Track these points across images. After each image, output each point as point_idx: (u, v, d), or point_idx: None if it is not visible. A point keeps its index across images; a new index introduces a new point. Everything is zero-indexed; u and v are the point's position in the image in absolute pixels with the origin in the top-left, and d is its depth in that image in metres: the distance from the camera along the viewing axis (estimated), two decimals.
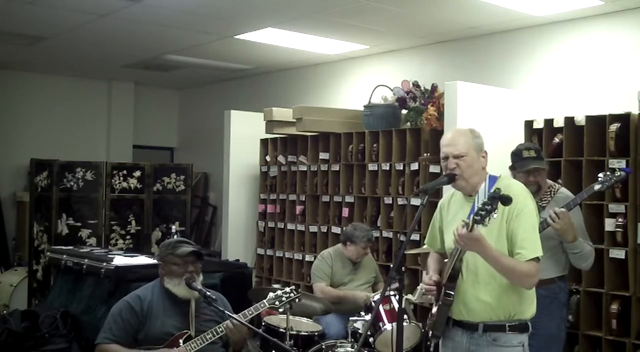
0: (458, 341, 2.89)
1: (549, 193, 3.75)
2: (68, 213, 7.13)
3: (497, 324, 2.81)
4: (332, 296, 4.93)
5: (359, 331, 4.34)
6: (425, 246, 3.33)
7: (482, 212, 2.52)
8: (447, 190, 3.17)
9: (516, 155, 3.79)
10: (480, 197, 2.85)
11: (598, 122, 4.50)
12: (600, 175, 3.49)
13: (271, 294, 3.76)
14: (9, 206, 8.40)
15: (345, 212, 6.03)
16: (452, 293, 2.82)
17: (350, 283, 5.11)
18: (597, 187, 3.46)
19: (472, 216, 2.59)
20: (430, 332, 3.01)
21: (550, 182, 3.84)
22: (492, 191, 2.53)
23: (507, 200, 2.50)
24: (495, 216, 2.53)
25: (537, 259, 2.76)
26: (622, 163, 4.25)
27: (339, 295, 4.99)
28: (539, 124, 4.80)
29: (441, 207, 3.11)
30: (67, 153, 7.96)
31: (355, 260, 5.13)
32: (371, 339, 4.26)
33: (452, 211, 3.01)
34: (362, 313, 4.53)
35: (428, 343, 3.22)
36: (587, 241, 3.67)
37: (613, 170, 3.49)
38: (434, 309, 3.02)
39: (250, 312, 3.60)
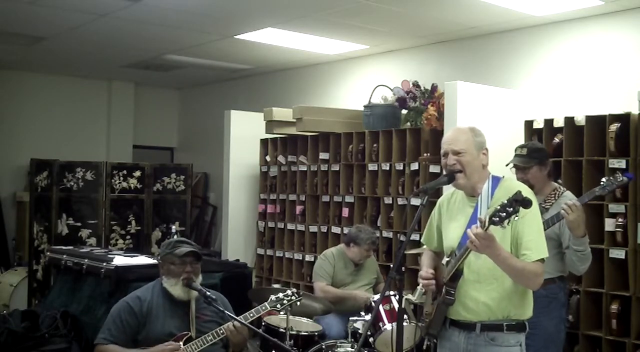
0: (455, 341, 2.87)
1: (553, 196, 3.73)
2: (68, 213, 7.12)
3: (495, 323, 2.80)
4: (332, 295, 4.94)
5: (359, 331, 4.34)
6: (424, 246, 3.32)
7: (502, 214, 2.47)
8: (447, 190, 3.16)
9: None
10: (483, 198, 2.84)
11: (598, 122, 4.50)
12: (603, 179, 3.47)
13: (272, 297, 3.74)
14: (9, 206, 8.40)
15: (345, 212, 6.03)
16: (454, 292, 2.81)
17: (352, 284, 5.11)
18: (598, 191, 3.44)
19: (488, 216, 2.54)
20: (426, 331, 3.00)
21: (554, 184, 3.83)
22: (514, 193, 2.48)
23: (528, 203, 2.47)
24: (516, 218, 2.50)
25: (542, 260, 2.76)
26: (622, 163, 4.25)
27: (338, 294, 4.99)
28: (539, 124, 4.79)
29: (440, 205, 3.08)
30: (67, 153, 7.95)
31: (357, 262, 5.13)
32: (371, 339, 4.26)
33: (453, 211, 2.98)
34: (362, 313, 4.52)
35: (428, 343, 3.21)
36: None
37: (615, 174, 3.46)
38: (427, 308, 3.01)
39: (251, 314, 3.59)
